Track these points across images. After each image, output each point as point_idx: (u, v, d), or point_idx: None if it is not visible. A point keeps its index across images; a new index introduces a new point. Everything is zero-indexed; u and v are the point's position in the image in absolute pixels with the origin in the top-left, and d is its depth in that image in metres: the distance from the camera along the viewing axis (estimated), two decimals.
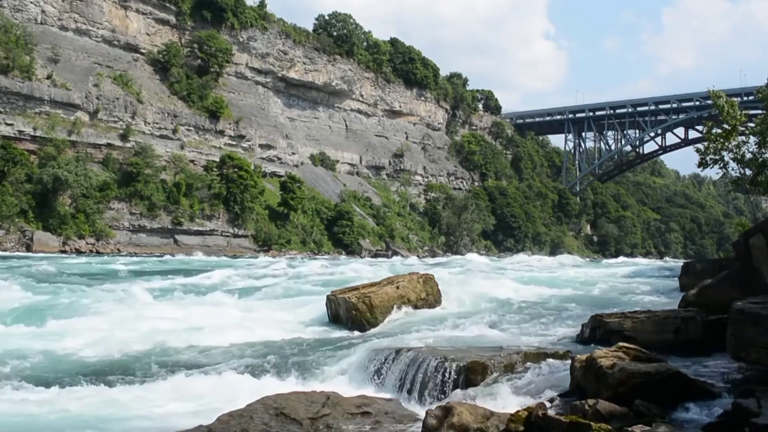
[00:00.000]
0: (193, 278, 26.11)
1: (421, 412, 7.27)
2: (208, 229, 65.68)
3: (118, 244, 57.42)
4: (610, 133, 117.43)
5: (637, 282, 26.61)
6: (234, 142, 75.24)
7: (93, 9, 67.18)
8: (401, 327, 13.83)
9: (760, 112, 37.64)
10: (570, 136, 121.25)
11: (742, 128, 25.62)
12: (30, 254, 45.71)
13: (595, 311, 13.21)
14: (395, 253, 75.05)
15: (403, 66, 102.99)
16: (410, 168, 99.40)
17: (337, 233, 75.78)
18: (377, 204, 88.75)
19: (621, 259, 78.60)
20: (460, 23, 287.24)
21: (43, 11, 63.16)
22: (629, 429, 5.59)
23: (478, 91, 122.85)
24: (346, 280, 22.87)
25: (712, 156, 25.31)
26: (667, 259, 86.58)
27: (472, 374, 8.76)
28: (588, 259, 79.98)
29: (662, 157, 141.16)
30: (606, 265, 49.75)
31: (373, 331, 13.76)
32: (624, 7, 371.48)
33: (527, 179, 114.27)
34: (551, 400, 7.49)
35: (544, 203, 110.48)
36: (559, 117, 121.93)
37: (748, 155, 24.91)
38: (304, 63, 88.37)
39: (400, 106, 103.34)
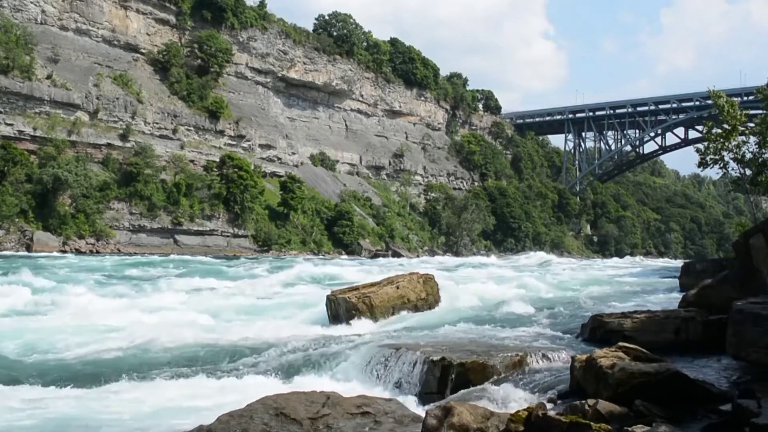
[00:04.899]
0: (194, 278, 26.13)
1: (421, 412, 7.27)
2: (208, 229, 65.66)
3: (118, 244, 57.40)
4: (610, 133, 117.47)
5: (637, 282, 26.62)
6: (234, 142, 75.23)
7: (93, 9, 67.15)
8: (401, 327, 13.83)
9: (760, 112, 37.64)
10: (570, 136, 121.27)
11: (742, 128, 25.64)
12: (30, 254, 45.70)
13: (595, 311, 13.22)
14: (396, 254, 75.02)
15: (403, 66, 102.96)
16: (410, 168, 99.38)
17: (337, 233, 75.76)
18: (377, 204, 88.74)
19: (625, 259, 77.83)
20: (458, 23, 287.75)
21: (43, 11, 63.13)
22: (629, 429, 5.59)
23: (478, 91, 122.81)
24: None
25: (712, 156, 25.35)
26: (638, 258, 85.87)
27: (472, 374, 8.76)
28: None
29: (662, 157, 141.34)
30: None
31: (373, 331, 13.76)
32: (623, 7, 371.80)
33: (527, 179, 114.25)
34: (551, 400, 7.49)
35: (544, 203, 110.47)
36: (559, 117, 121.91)
37: (748, 155, 24.96)
38: (304, 63, 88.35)
39: (400, 106, 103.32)
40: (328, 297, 15.53)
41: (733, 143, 24.69)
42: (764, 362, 7.43)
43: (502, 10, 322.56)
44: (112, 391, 9.39)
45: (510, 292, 19.80)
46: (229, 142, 74.72)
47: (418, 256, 73.72)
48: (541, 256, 58.62)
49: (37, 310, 16.42)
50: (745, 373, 7.83)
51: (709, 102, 44.26)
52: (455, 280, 23.66)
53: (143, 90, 67.60)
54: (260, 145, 79.24)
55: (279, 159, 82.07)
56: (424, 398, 8.70)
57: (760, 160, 24.58)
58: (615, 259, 77.24)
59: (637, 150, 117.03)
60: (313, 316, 15.86)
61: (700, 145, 27.85)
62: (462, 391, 8.36)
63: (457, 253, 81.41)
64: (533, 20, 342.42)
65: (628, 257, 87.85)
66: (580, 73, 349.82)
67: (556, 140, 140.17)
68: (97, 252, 53.24)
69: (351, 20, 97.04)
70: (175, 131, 68.64)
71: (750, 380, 7.42)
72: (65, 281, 22.26)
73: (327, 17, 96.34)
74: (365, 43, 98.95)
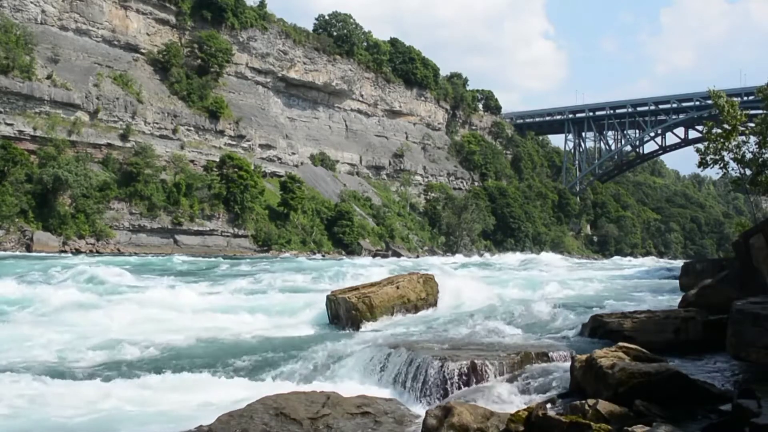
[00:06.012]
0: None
1: (421, 412, 7.27)
2: (208, 229, 65.68)
3: (118, 244, 57.42)
4: (610, 133, 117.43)
5: (637, 282, 26.61)
6: (234, 142, 75.25)
7: (93, 9, 67.16)
8: (401, 327, 13.83)
9: (760, 112, 37.63)
10: (570, 136, 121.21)
11: (743, 128, 25.64)
12: (30, 254, 45.69)
13: (595, 311, 13.22)
14: (395, 253, 75.01)
15: (403, 66, 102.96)
16: (410, 168, 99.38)
17: (337, 233, 75.78)
18: (377, 204, 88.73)
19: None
20: (458, 23, 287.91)
21: (43, 11, 63.13)
22: (629, 429, 5.59)
23: (478, 91, 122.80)
24: None
25: (712, 156, 25.35)
26: (627, 259, 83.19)
27: (472, 374, 8.76)
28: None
29: (662, 157, 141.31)
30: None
31: (373, 331, 13.76)
32: (623, 7, 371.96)
33: (527, 179, 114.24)
34: (551, 400, 7.49)
35: (544, 203, 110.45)
36: (559, 117, 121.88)
37: (748, 155, 24.95)
38: (304, 63, 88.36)
39: (400, 106, 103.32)
40: (328, 297, 15.52)
41: (733, 143, 24.70)
42: (764, 362, 7.43)
43: (501, 10, 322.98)
44: (109, 388, 9.38)
45: (510, 293, 19.79)
46: (229, 142, 74.75)
47: (417, 256, 73.68)
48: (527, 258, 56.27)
49: None
50: (745, 373, 7.83)
51: (709, 102, 44.26)
52: (455, 280, 23.59)
53: (143, 90, 67.62)
54: (260, 145, 79.25)
55: (279, 159, 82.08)
56: (424, 398, 8.70)
57: (760, 160, 24.57)
58: (604, 261, 76.68)
59: (637, 150, 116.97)
60: (312, 316, 15.85)
61: (700, 145, 27.81)
62: (462, 391, 8.37)
63: (457, 254, 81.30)
64: (533, 20, 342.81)
65: (615, 258, 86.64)
66: (580, 73, 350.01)
67: (556, 140, 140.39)
68: (98, 252, 53.23)
69: (351, 20, 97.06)
70: (175, 131, 68.66)
71: (750, 380, 7.42)
72: None
73: (327, 17, 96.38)
74: (365, 43, 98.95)
